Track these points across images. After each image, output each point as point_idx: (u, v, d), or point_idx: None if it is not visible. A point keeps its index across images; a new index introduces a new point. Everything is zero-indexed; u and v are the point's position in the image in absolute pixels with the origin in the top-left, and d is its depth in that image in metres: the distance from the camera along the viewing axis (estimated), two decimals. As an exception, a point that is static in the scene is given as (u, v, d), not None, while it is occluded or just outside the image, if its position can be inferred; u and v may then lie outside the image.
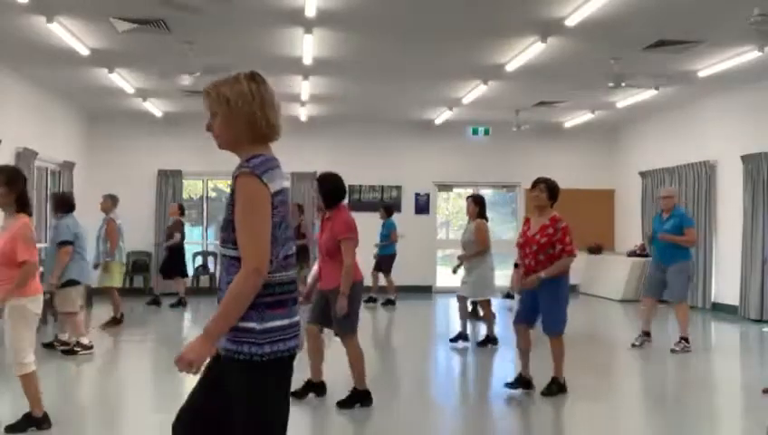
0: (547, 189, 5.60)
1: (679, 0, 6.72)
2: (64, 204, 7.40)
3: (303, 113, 12.71)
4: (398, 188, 14.27)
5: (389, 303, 11.77)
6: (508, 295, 11.96)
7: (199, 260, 13.62)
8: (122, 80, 9.94)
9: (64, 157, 11.50)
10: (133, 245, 11.89)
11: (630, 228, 13.74)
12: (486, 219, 8.02)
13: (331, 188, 5.30)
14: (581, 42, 7.97)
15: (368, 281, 11.23)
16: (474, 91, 10.70)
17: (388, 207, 12.36)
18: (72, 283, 7.16)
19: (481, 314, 8.65)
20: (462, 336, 8.10)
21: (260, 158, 2.36)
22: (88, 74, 9.73)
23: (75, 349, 7.27)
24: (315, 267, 5.71)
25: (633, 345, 7.85)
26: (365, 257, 11.45)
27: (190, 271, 12.53)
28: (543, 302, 5.58)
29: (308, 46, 8.14)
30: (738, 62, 8.73)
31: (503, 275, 9.82)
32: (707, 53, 8.58)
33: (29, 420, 4.61)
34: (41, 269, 6.20)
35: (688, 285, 7.89)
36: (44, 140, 10.53)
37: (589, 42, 7.98)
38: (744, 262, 10.18)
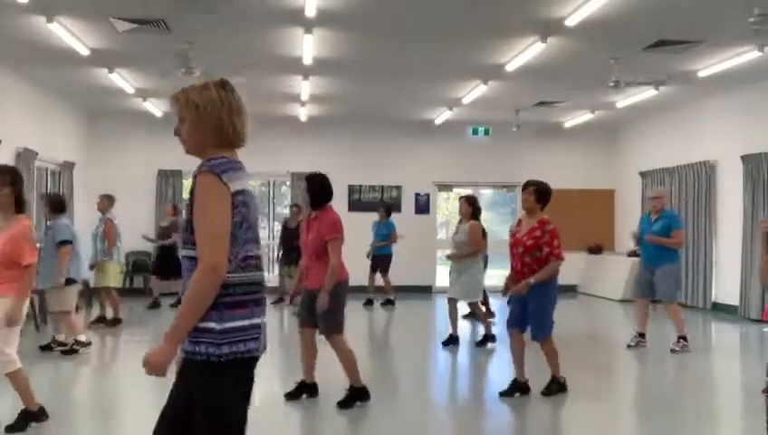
0: (536, 192, 5.59)
1: (679, 0, 6.72)
2: (59, 205, 7.45)
3: (303, 113, 12.71)
4: (398, 188, 14.28)
5: (389, 303, 11.77)
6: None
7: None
8: (122, 80, 9.94)
9: (64, 157, 11.50)
10: (133, 245, 11.90)
11: (630, 228, 13.67)
12: (479, 220, 8.02)
13: (318, 187, 5.31)
14: (581, 42, 7.97)
15: (363, 282, 11.40)
16: (474, 91, 10.70)
17: (389, 207, 12.37)
18: (70, 281, 7.20)
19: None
20: (453, 340, 8.07)
21: (221, 159, 2.37)
22: (88, 74, 9.73)
23: (75, 347, 7.27)
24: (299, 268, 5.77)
25: (629, 346, 7.86)
26: (363, 257, 11.56)
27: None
28: (531, 307, 5.54)
29: (308, 46, 8.14)
30: (738, 62, 8.73)
31: (502, 275, 9.80)
32: (707, 53, 8.58)
33: (27, 416, 4.62)
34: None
35: (679, 286, 7.90)
36: (44, 140, 10.53)
37: (589, 42, 7.98)
38: (744, 262, 10.18)
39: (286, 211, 13.26)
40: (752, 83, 10.02)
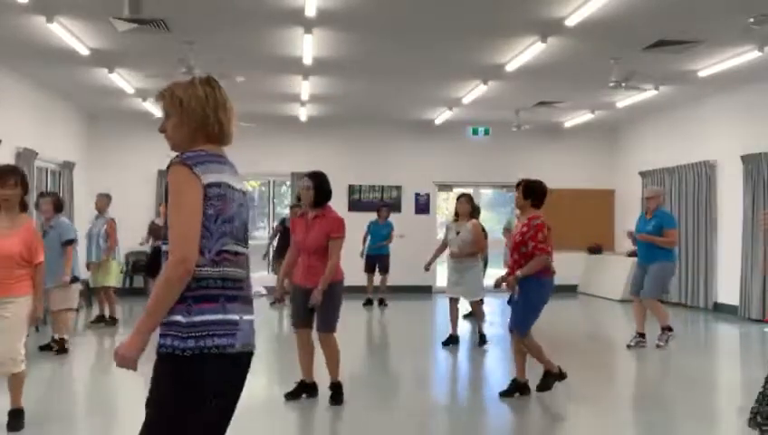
0: (523, 189, 5.69)
1: (679, 0, 6.72)
2: (60, 204, 7.58)
3: (303, 113, 12.71)
4: (398, 188, 14.28)
5: (382, 303, 11.78)
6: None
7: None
8: (122, 80, 9.94)
9: (64, 157, 11.50)
10: (133, 245, 11.89)
11: (630, 228, 13.73)
12: (478, 219, 8.06)
13: (322, 185, 5.31)
14: (581, 42, 7.97)
15: (361, 282, 11.39)
16: (474, 91, 10.70)
17: (390, 207, 12.38)
18: (74, 280, 7.34)
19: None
20: (453, 339, 8.08)
21: (198, 152, 2.35)
22: (88, 74, 9.73)
23: (66, 347, 7.31)
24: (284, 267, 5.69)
25: (628, 346, 7.87)
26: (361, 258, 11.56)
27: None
28: (516, 300, 5.60)
29: (308, 46, 8.14)
30: (738, 62, 8.73)
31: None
32: (707, 53, 8.58)
33: (21, 414, 4.65)
34: None
35: (664, 285, 7.92)
36: (44, 140, 10.53)
37: (589, 42, 7.98)
38: (744, 262, 10.18)
39: (286, 211, 13.26)
40: (752, 83, 10.02)
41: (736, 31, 7.54)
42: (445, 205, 17.35)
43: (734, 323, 10.04)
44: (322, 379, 5.47)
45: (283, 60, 8.91)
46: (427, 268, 8.63)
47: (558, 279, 5.76)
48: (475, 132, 14.32)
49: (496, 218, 16.59)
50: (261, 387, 5.82)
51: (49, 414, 5.07)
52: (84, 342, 8.35)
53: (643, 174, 13.19)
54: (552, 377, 5.65)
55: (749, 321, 9.96)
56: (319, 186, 5.28)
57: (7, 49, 8.45)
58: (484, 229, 8.13)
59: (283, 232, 11.88)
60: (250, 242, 2.52)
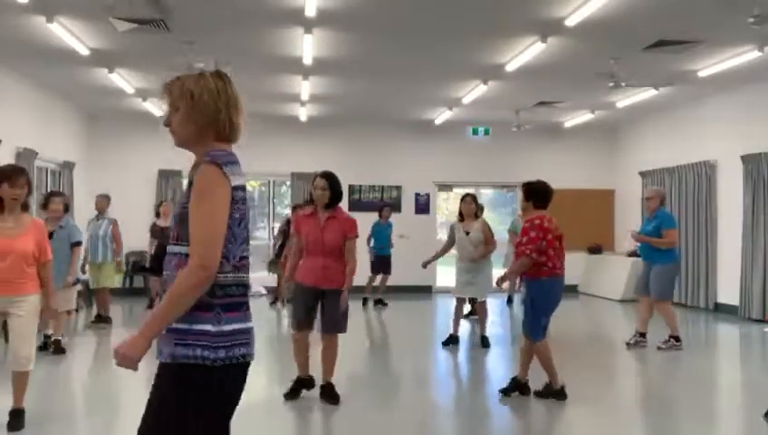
0: (524, 191, 5.74)
1: (679, 0, 6.72)
2: (66, 205, 7.61)
3: (303, 113, 12.71)
4: (398, 188, 14.28)
5: (381, 303, 11.78)
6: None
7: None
8: (122, 80, 9.94)
9: (64, 157, 11.50)
10: (133, 245, 11.89)
11: (630, 228, 13.71)
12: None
13: (336, 184, 5.31)
14: (581, 42, 7.97)
15: (361, 282, 11.37)
16: (474, 91, 10.70)
17: (392, 207, 12.39)
18: (75, 281, 7.44)
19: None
20: (454, 339, 8.09)
21: (222, 151, 2.25)
22: (88, 74, 9.73)
23: (63, 347, 7.32)
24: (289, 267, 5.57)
25: (627, 344, 7.88)
26: (365, 257, 11.54)
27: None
28: (524, 302, 5.67)
29: (308, 46, 8.14)
30: (738, 62, 8.73)
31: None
32: (707, 53, 8.58)
33: (22, 414, 4.66)
34: None
35: (672, 286, 7.90)
36: (44, 140, 10.53)
37: (589, 42, 7.98)
38: (745, 262, 10.19)
39: (287, 211, 13.26)
40: (752, 83, 10.02)
41: (736, 31, 7.54)
42: (445, 205, 17.35)
43: (735, 323, 10.04)
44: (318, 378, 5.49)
45: (282, 60, 8.91)
46: (424, 266, 8.59)
47: (553, 283, 5.74)
48: (475, 132, 14.32)
49: (497, 219, 16.58)
50: (260, 387, 5.82)
51: (49, 414, 5.07)
52: (83, 342, 8.35)
53: (643, 174, 13.19)
54: (552, 392, 5.62)
55: (749, 321, 9.96)
56: (332, 186, 5.28)
57: (7, 49, 8.45)
58: (490, 228, 8.14)
59: (287, 232, 11.87)
60: (251, 242, 2.49)
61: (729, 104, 10.80)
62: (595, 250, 13.99)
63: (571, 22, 7.11)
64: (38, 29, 7.52)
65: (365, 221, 12.06)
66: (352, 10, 7.01)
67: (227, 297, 2.20)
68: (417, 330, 10.08)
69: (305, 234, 5.32)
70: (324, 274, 5.26)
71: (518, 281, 11.69)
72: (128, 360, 2.11)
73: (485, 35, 7.94)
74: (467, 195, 8.20)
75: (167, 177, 13.35)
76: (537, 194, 5.66)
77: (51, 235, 7.31)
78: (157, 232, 10.85)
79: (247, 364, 2.28)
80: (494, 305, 10.52)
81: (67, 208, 7.57)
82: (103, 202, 9.15)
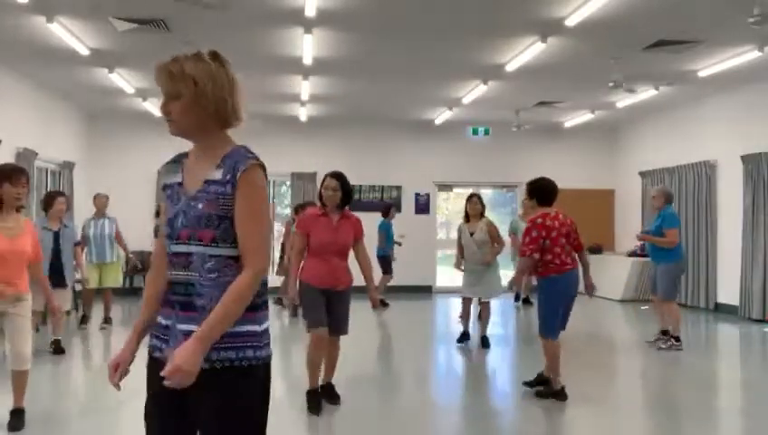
0: (528, 191, 5.76)
1: (679, 0, 6.72)
2: (68, 204, 7.64)
3: (303, 113, 12.71)
4: (398, 188, 14.28)
5: (383, 304, 11.76)
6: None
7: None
8: (122, 80, 9.95)
9: (64, 157, 11.50)
10: (133, 245, 11.87)
11: (630, 228, 13.73)
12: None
13: (347, 184, 5.30)
14: (581, 42, 7.97)
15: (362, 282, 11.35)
16: (474, 91, 10.70)
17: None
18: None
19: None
20: (467, 336, 8.18)
21: (244, 147, 2.19)
22: (88, 74, 9.74)
23: (63, 347, 7.33)
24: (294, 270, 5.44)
25: (648, 342, 7.96)
26: (372, 257, 11.52)
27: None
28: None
29: (308, 46, 8.14)
30: (738, 62, 8.73)
31: (503, 275, 9.84)
32: (707, 53, 8.58)
33: (22, 414, 4.68)
34: None
35: (676, 285, 7.90)
36: (44, 139, 10.54)
37: (589, 42, 7.98)
38: (745, 262, 10.19)
39: (287, 211, 13.26)
40: (752, 83, 10.03)
41: (736, 31, 7.54)
42: (445, 205, 17.36)
43: (735, 323, 10.04)
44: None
45: (282, 60, 8.91)
46: (459, 268, 8.41)
47: (562, 280, 5.75)
48: (475, 132, 14.32)
49: (498, 219, 16.54)
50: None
51: (49, 414, 5.07)
52: (82, 342, 8.35)
53: (643, 174, 13.19)
54: (551, 391, 5.64)
55: (749, 321, 9.96)
56: (344, 186, 5.26)
57: (7, 49, 8.45)
58: (496, 227, 8.16)
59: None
60: None
61: (729, 104, 10.80)
62: (595, 250, 13.97)
63: (571, 22, 7.12)
64: (38, 29, 7.52)
65: (365, 221, 12.06)
66: (352, 10, 7.02)
67: (263, 296, 2.20)
68: (417, 330, 10.07)
69: (317, 235, 5.20)
70: (337, 275, 5.24)
71: (524, 280, 11.75)
72: (185, 375, 1.94)
73: (485, 35, 7.94)
74: (473, 195, 8.20)
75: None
76: (541, 192, 5.67)
77: (57, 234, 7.36)
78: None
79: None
80: (499, 306, 10.51)
81: (68, 208, 7.62)
82: (104, 201, 9.12)
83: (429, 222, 14.45)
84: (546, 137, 14.38)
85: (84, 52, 8.32)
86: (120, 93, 10.83)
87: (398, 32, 7.85)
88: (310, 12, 6.89)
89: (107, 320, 9.13)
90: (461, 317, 8.39)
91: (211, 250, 2.10)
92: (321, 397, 5.33)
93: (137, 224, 11.74)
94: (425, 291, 13.93)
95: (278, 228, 15.01)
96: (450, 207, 18.75)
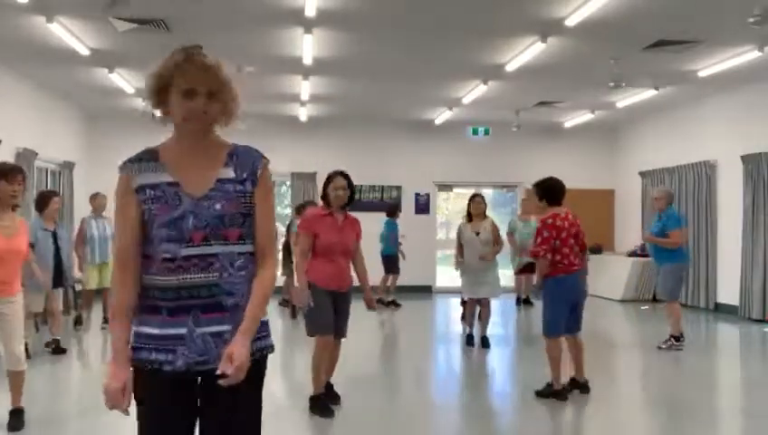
0: (536, 192, 5.74)
1: (679, 0, 6.72)
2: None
3: (303, 113, 12.71)
4: (398, 188, 14.28)
5: (394, 304, 11.75)
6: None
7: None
8: (122, 80, 9.94)
9: (64, 157, 11.50)
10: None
11: (630, 228, 13.75)
12: None
13: (352, 183, 5.31)
14: (581, 42, 7.97)
15: (378, 281, 11.32)
16: (474, 91, 10.70)
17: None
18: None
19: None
20: (473, 338, 8.19)
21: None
22: (88, 74, 9.73)
23: (62, 346, 7.32)
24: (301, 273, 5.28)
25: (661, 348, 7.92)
26: (376, 257, 11.53)
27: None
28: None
29: (308, 46, 8.14)
30: (738, 62, 8.73)
31: (503, 275, 9.84)
32: (707, 53, 8.58)
33: (22, 414, 4.68)
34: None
35: (678, 286, 7.89)
36: (44, 139, 10.53)
37: (589, 42, 7.98)
38: (745, 262, 10.19)
39: (287, 211, 13.25)
40: (752, 83, 10.02)
41: (736, 31, 7.54)
42: (445, 205, 17.35)
43: (735, 323, 10.03)
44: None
45: (282, 60, 8.91)
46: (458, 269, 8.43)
47: (570, 280, 5.75)
48: (475, 132, 14.32)
49: (497, 219, 16.50)
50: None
51: (49, 414, 5.07)
52: (83, 342, 8.35)
53: (643, 174, 13.19)
54: (553, 391, 5.64)
55: (749, 321, 9.96)
56: (350, 186, 5.25)
57: (7, 49, 8.45)
58: (497, 228, 8.17)
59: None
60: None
61: (729, 104, 10.80)
62: (595, 250, 13.97)
63: (571, 22, 7.12)
64: (38, 29, 7.52)
65: (365, 221, 12.05)
66: (352, 10, 7.01)
67: None
68: (417, 330, 10.07)
69: (324, 235, 5.10)
70: (343, 276, 5.22)
71: (524, 280, 11.74)
72: (244, 369, 2.01)
73: (485, 35, 7.94)
74: (477, 195, 8.20)
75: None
76: (550, 192, 5.67)
77: (54, 233, 7.35)
78: None
79: None
80: (499, 306, 10.51)
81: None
82: (104, 201, 9.09)
83: (429, 222, 14.45)
84: (546, 137, 14.38)
85: (84, 52, 8.32)
86: (120, 93, 10.83)
87: (398, 32, 7.85)
88: (310, 12, 6.89)
89: (107, 320, 9.12)
90: (463, 319, 8.39)
91: (239, 248, 2.13)
92: (326, 400, 5.30)
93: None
94: (425, 291, 13.92)
95: (278, 228, 15.02)
96: (450, 207, 18.74)
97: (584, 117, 13.09)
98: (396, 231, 11.74)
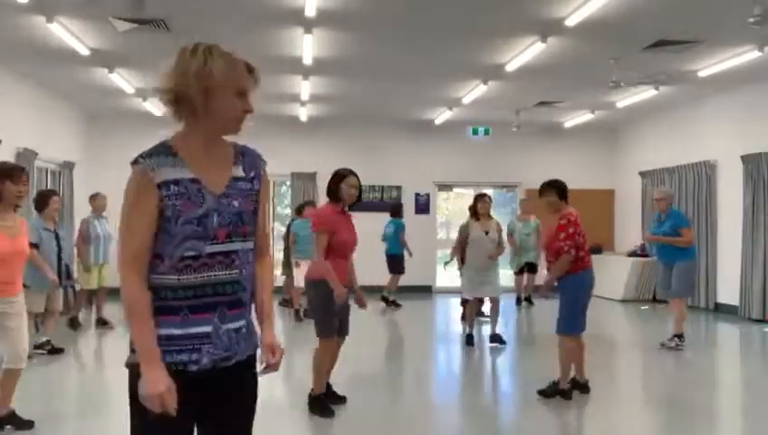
0: (554, 192, 5.68)
1: (679, 0, 6.72)
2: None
3: (303, 113, 12.71)
4: (398, 188, 14.27)
5: (394, 303, 11.74)
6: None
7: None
8: (122, 80, 9.94)
9: (64, 157, 11.50)
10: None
11: (630, 228, 13.75)
12: None
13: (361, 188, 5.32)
14: (581, 42, 7.97)
15: (377, 282, 11.35)
16: (474, 91, 10.70)
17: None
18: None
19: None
20: (473, 338, 8.19)
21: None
22: (88, 74, 9.73)
23: (58, 347, 7.32)
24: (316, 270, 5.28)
25: (669, 347, 7.91)
26: (381, 257, 11.54)
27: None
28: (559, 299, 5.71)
29: (308, 46, 8.14)
30: (738, 62, 8.73)
31: (503, 274, 9.85)
32: (707, 53, 8.58)
33: (14, 417, 4.68)
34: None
35: (693, 283, 7.93)
36: (44, 139, 10.53)
37: (589, 42, 7.98)
38: (744, 262, 10.19)
39: (287, 211, 13.24)
40: (752, 83, 10.02)
41: (736, 31, 7.54)
42: (445, 205, 17.35)
43: (735, 323, 10.04)
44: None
45: (282, 60, 8.91)
46: (451, 265, 8.47)
47: (587, 278, 5.78)
48: (475, 132, 14.32)
49: (498, 219, 16.57)
50: (261, 387, 5.81)
51: (49, 414, 5.07)
52: (82, 342, 8.35)
53: (643, 174, 13.19)
54: (558, 390, 5.64)
55: (749, 321, 9.96)
56: (359, 185, 5.29)
57: (7, 49, 8.45)
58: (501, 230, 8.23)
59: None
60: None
61: (729, 104, 10.80)
62: (595, 250, 13.96)
63: (571, 22, 7.12)
64: (38, 29, 7.51)
65: (365, 221, 12.06)
66: (352, 10, 7.01)
67: None
68: (417, 330, 10.07)
69: (341, 233, 5.07)
70: (350, 275, 5.27)
71: (526, 280, 11.74)
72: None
73: (485, 35, 7.94)
74: (485, 194, 8.28)
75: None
76: (564, 190, 5.72)
77: (56, 233, 7.35)
78: None
79: None
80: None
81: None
82: (104, 201, 9.09)
83: (429, 222, 14.45)
84: (546, 137, 14.38)
85: (84, 52, 8.32)
86: (120, 93, 10.83)
87: (399, 32, 7.85)
88: (310, 12, 6.89)
89: (105, 321, 9.11)
90: (463, 319, 8.39)
91: (249, 244, 2.17)
92: (326, 400, 5.29)
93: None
94: (425, 291, 13.92)
95: (278, 228, 15.04)
96: (450, 207, 18.75)
97: (584, 117, 13.09)
98: (403, 231, 11.74)
